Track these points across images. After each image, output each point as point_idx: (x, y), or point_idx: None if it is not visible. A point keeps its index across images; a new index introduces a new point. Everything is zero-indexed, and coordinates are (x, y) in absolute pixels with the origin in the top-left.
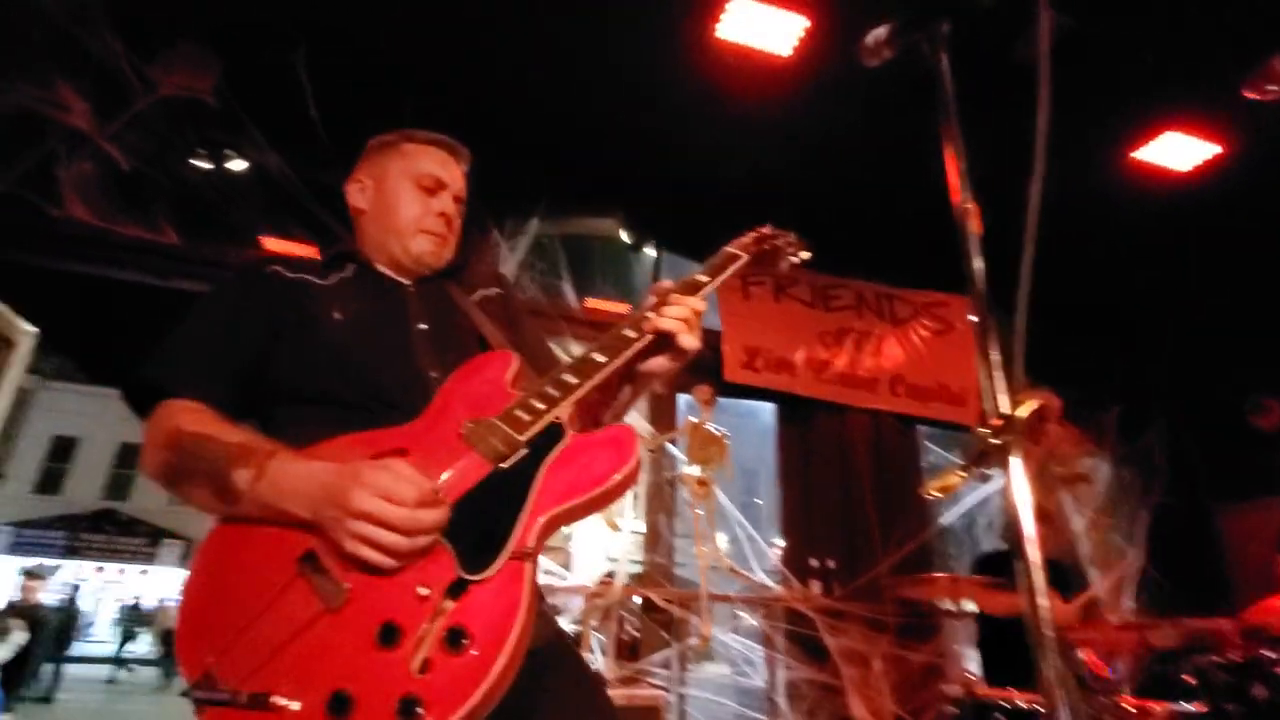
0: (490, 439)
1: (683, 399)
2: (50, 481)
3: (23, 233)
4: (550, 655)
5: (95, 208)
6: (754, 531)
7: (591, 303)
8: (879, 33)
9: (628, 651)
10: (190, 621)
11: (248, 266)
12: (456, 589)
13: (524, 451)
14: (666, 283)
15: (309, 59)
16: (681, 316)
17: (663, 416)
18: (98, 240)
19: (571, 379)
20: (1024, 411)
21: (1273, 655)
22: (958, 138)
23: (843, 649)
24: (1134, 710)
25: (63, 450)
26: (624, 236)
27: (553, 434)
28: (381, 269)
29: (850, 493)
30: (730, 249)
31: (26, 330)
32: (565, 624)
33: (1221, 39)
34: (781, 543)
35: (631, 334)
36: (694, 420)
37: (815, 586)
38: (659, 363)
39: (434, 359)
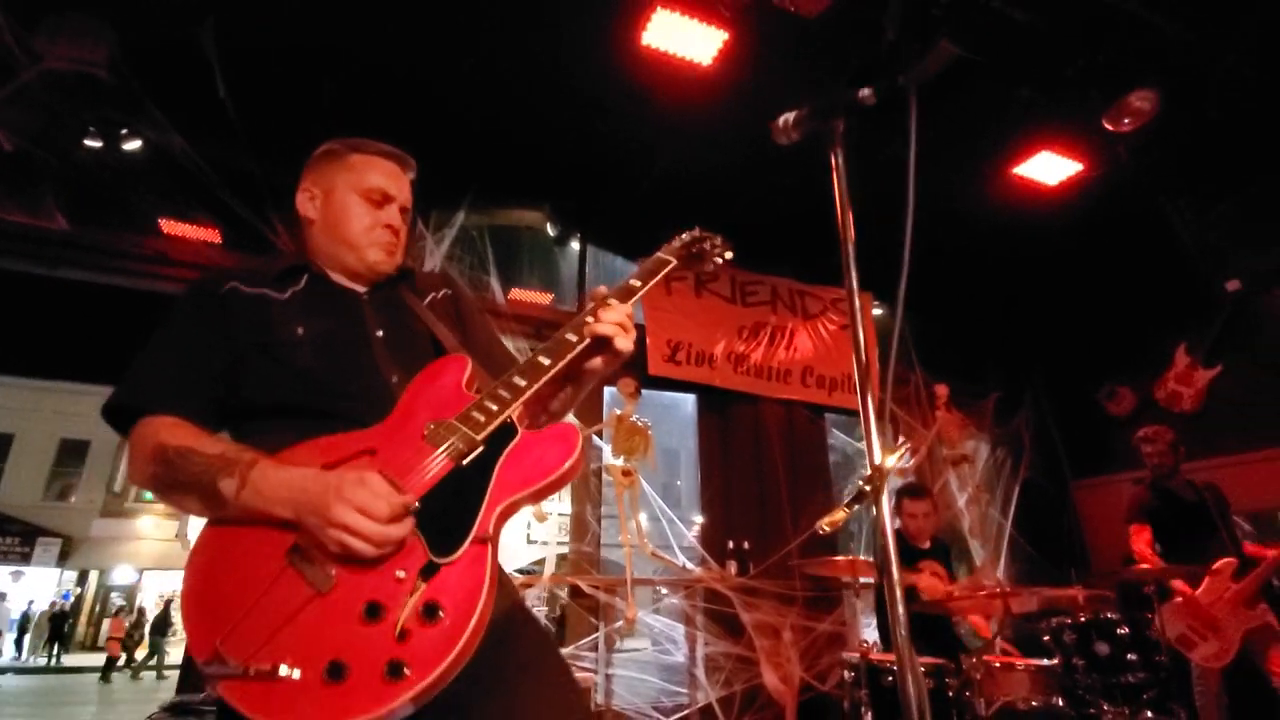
0: (451, 439)
1: (609, 392)
2: None
3: None
4: (512, 621)
5: None
6: (674, 515)
7: (517, 294)
8: (787, 118)
9: (556, 636)
10: (195, 611)
11: (203, 287)
12: (429, 571)
13: (481, 449)
14: (603, 289)
15: (217, 34)
16: (617, 321)
17: (589, 409)
18: None
19: (520, 381)
20: (890, 463)
21: (1114, 617)
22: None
23: (756, 622)
24: (999, 665)
25: None
26: (549, 230)
27: (506, 432)
28: (335, 278)
29: (765, 478)
30: (661, 254)
31: None
32: None
33: (1092, 74)
34: (700, 520)
35: (573, 338)
36: (619, 413)
37: (732, 566)
38: (597, 363)
39: (393, 365)
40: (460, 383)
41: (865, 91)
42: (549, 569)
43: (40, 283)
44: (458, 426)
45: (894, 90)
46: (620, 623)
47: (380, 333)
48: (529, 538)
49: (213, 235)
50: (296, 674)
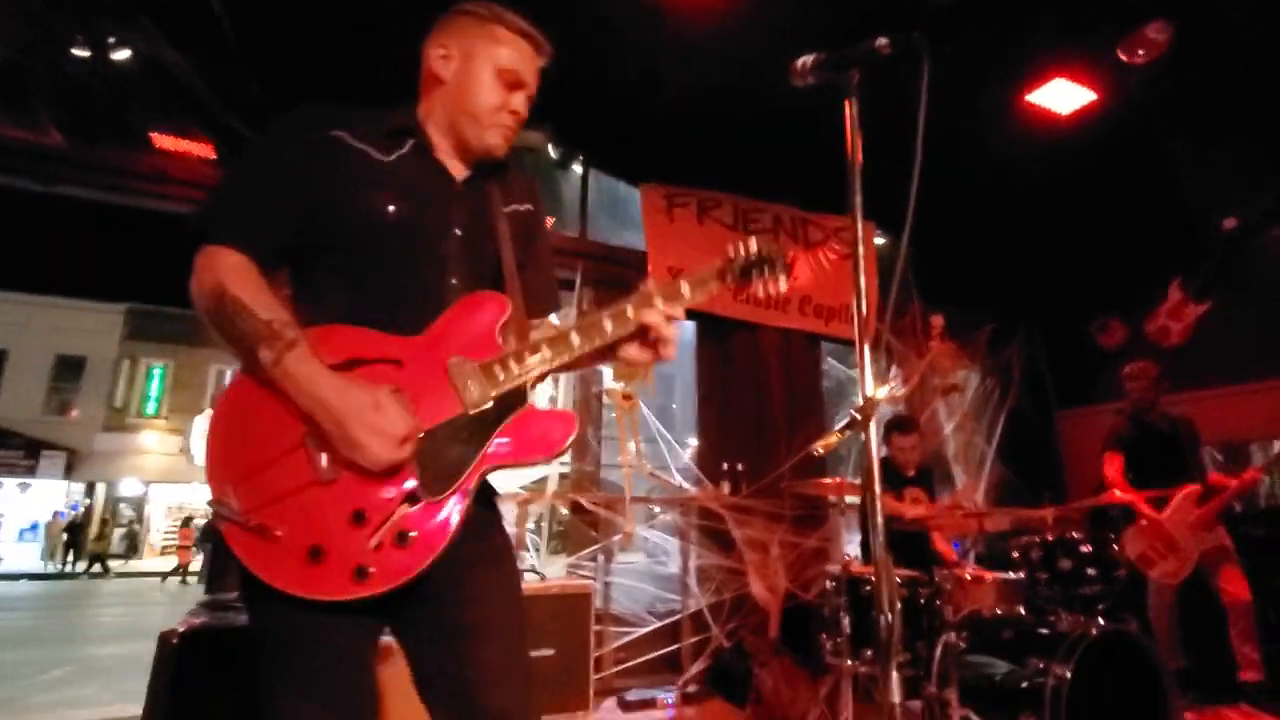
0: (469, 384)
1: None
2: None
3: None
4: (485, 535)
5: None
6: (670, 437)
7: None
8: (805, 61)
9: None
10: (218, 448)
11: (307, 123)
12: (413, 499)
13: (490, 405)
14: (652, 284)
15: None
16: (659, 321)
17: None
18: None
19: (546, 353)
20: (881, 394)
21: (1079, 536)
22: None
23: (746, 538)
24: (970, 578)
25: None
26: (551, 152)
27: (516, 397)
28: (441, 150)
29: (761, 404)
30: (719, 264)
31: None
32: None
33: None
34: (694, 443)
35: (609, 325)
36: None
37: (725, 486)
38: (632, 353)
39: (459, 268)
40: (495, 325)
41: (881, 41)
42: (551, 486)
43: (38, 200)
44: (478, 374)
45: (909, 42)
46: (619, 536)
47: (459, 230)
48: None
49: (211, 152)
50: (285, 541)
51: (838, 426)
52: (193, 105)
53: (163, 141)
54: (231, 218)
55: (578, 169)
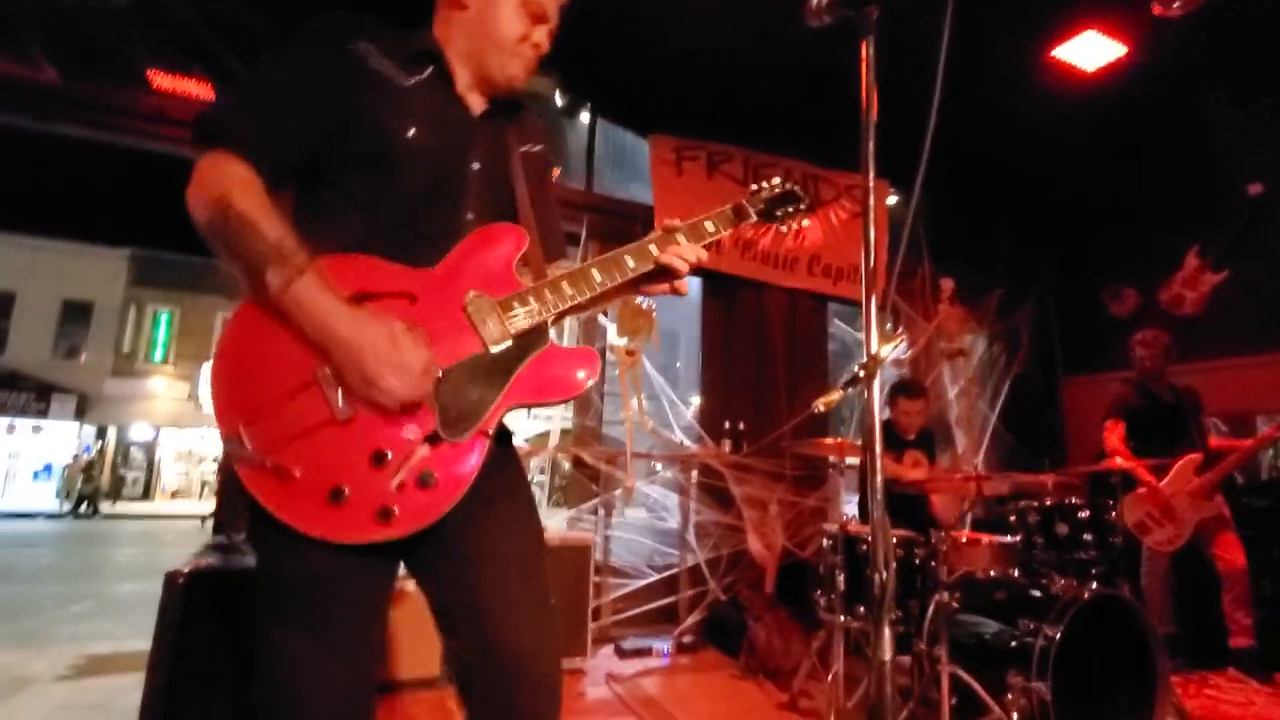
0: (487, 321)
1: None
2: None
3: None
4: (504, 471)
5: None
6: (673, 395)
7: None
8: None
9: (560, 500)
10: (225, 385)
11: (337, 30)
12: (434, 439)
13: (510, 343)
14: (675, 221)
15: None
16: (684, 257)
17: None
18: None
19: (567, 289)
20: (885, 352)
21: (1077, 502)
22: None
23: (746, 496)
24: (966, 540)
25: None
26: (558, 100)
27: (537, 335)
28: (461, 81)
29: (764, 363)
30: (744, 203)
31: None
32: None
33: None
34: (696, 400)
35: (631, 262)
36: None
37: (726, 444)
38: (652, 288)
39: (476, 202)
40: (514, 259)
41: None
42: (553, 441)
43: (33, 137)
44: (497, 311)
45: None
46: (619, 490)
47: (476, 165)
48: (530, 413)
49: (209, 93)
50: (304, 482)
51: (840, 383)
52: (192, 43)
53: (160, 81)
54: (244, 124)
55: (585, 118)
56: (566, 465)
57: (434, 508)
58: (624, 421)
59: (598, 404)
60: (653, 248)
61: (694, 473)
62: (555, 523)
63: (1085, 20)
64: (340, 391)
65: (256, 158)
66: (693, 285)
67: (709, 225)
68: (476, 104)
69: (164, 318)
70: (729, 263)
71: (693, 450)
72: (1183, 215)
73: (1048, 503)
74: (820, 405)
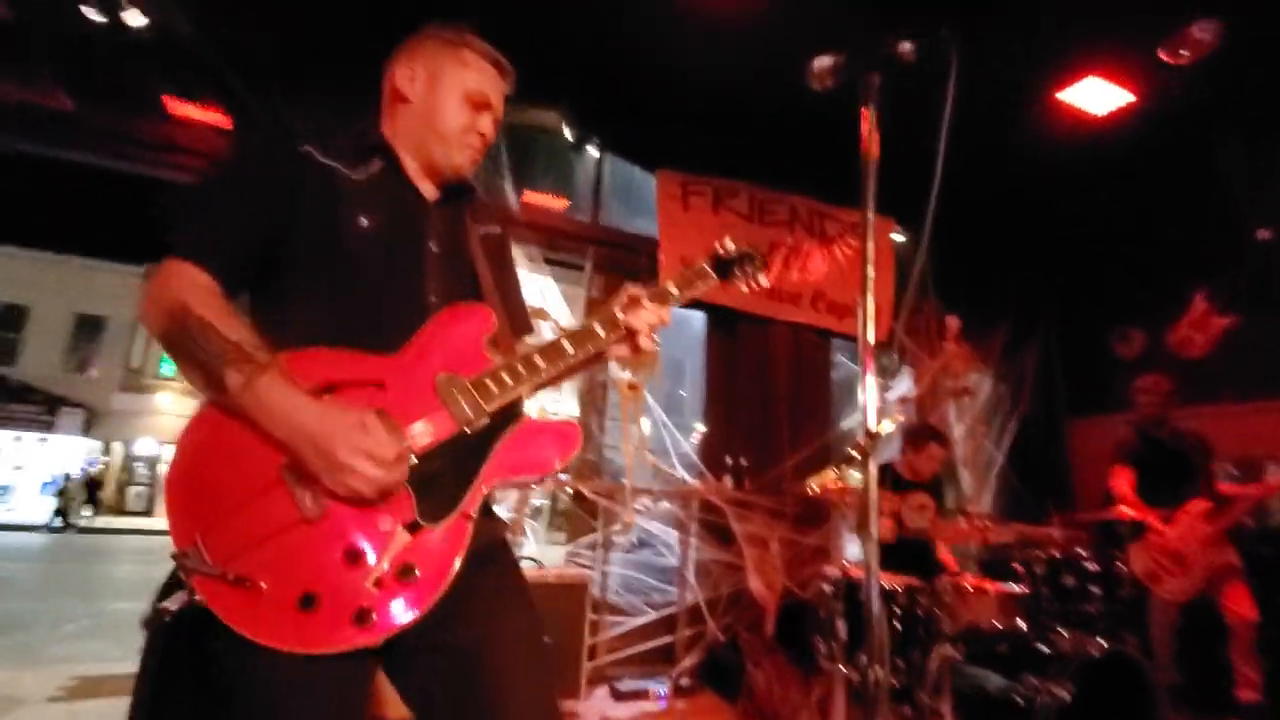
0: (460, 401)
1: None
2: None
3: None
4: (493, 548)
5: None
6: (677, 423)
7: (531, 197)
8: (824, 63)
9: (557, 534)
10: (182, 492)
11: (280, 140)
12: (413, 527)
13: (485, 422)
14: (637, 288)
15: None
16: (649, 322)
17: None
18: None
19: (539, 362)
20: (885, 429)
21: (1085, 553)
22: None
23: (746, 533)
24: (972, 588)
25: None
26: (567, 134)
27: (512, 411)
28: (409, 174)
29: (767, 399)
30: (703, 265)
31: None
32: (501, 512)
33: None
34: (701, 428)
35: (600, 330)
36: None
37: (727, 480)
38: (620, 353)
39: (437, 285)
40: (482, 338)
41: (906, 47)
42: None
43: (45, 163)
44: (470, 390)
45: (937, 45)
46: (618, 525)
47: (435, 247)
48: None
49: (223, 122)
50: (271, 591)
51: (836, 462)
52: (206, 73)
53: (175, 108)
54: (201, 233)
55: (593, 152)
56: (568, 490)
57: (417, 603)
58: (625, 455)
59: (598, 437)
60: (618, 312)
61: (694, 509)
62: (553, 557)
63: (1088, 67)
64: (308, 489)
65: (215, 265)
66: (696, 319)
67: (671, 288)
68: (429, 191)
69: None
70: (732, 297)
71: (693, 486)
72: (1191, 258)
73: (1055, 554)
74: (813, 486)
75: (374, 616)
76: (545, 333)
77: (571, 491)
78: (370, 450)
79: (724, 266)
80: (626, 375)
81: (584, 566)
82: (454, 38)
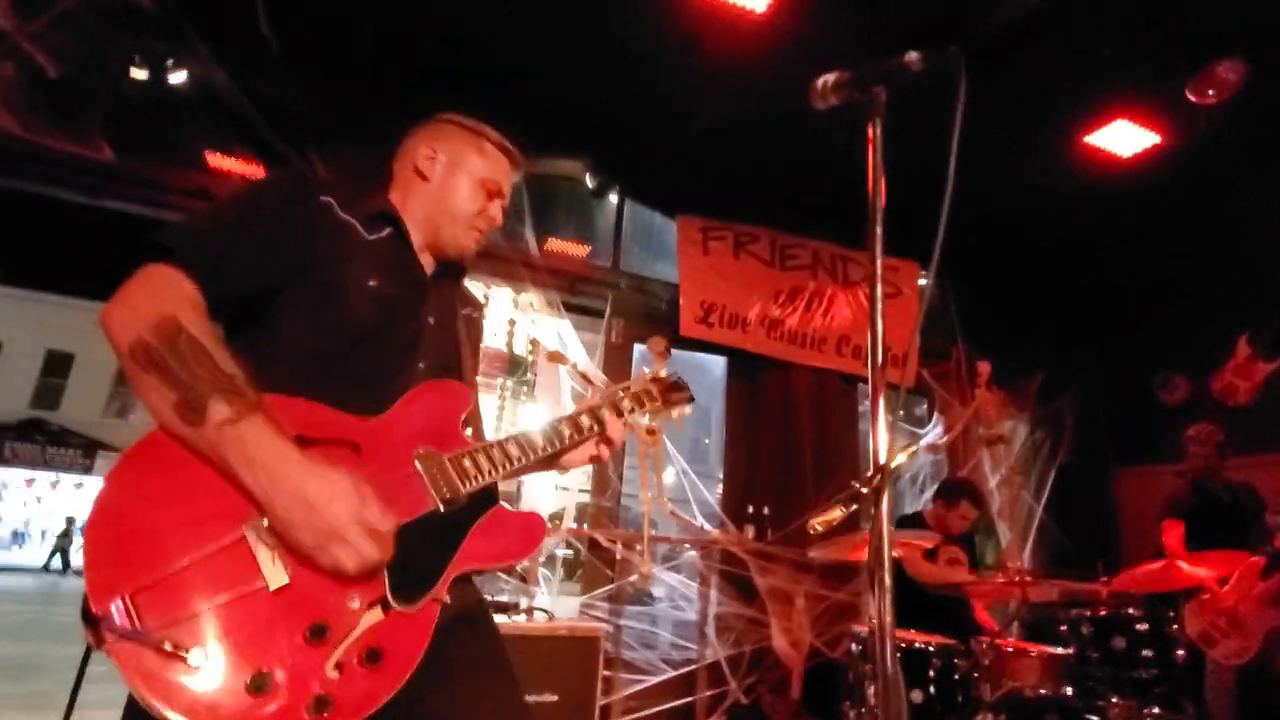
0: (438, 479)
1: (638, 349)
2: None
3: None
4: (469, 617)
5: (21, 117)
6: (702, 471)
7: (554, 244)
8: (826, 81)
9: (570, 581)
10: (106, 543)
11: (304, 186)
12: (384, 606)
13: (463, 503)
14: (595, 400)
15: None
16: (611, 429)
17: (619, 368)
18: (24, 154)
19: (514, 452)
20: (896, 462)
21: (1136, 613)
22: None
23: (770, 588)
24: (1012, 650)
25: None
26: (588, 182)
27: (487, 496)
28: (416, 244)
29: (791, 446)
30: (636, 389)
31: None
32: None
33: (1177, 39)
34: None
35: (567, 431)
36: (647, 372)
37: (749, 530)
38: (575, 458)
39: (427, 354)
40: (460, 417)
41: (912, 56)
42: (568, 518)
43: (87, 212)
44: (448, 469)
45: (945, 57)
46: (635, 576)
47: (431, 319)
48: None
49: (257, 172)
50: (214, 669)
51: (840, 500)
52: (241, 127)
53: (215, 161)
54: (202, 245)
55: (613, 198)
56: (582, 546)
57: (380, 691)
58: (643, 503)
59: (615, 484)
60: (585, 419)
61: (714, 560)
62: (565, 608)
63: (1115, 110)
64: (276, 551)
65: (206, 280)
66: (717, 364)
67: (626, 404)
68: (428, 264)
69: None
70: (754, 342)
71: (714, 535)
72: (1231, 302)
73: (1102, 612)
74: (818, 525)
75: (332, 705)
76: (563, 377)
77: (586, 542)
78: (369, 522)
79: (659, 398)
80: (645, 421)
81: (598, 619)
82: (474, 127)
